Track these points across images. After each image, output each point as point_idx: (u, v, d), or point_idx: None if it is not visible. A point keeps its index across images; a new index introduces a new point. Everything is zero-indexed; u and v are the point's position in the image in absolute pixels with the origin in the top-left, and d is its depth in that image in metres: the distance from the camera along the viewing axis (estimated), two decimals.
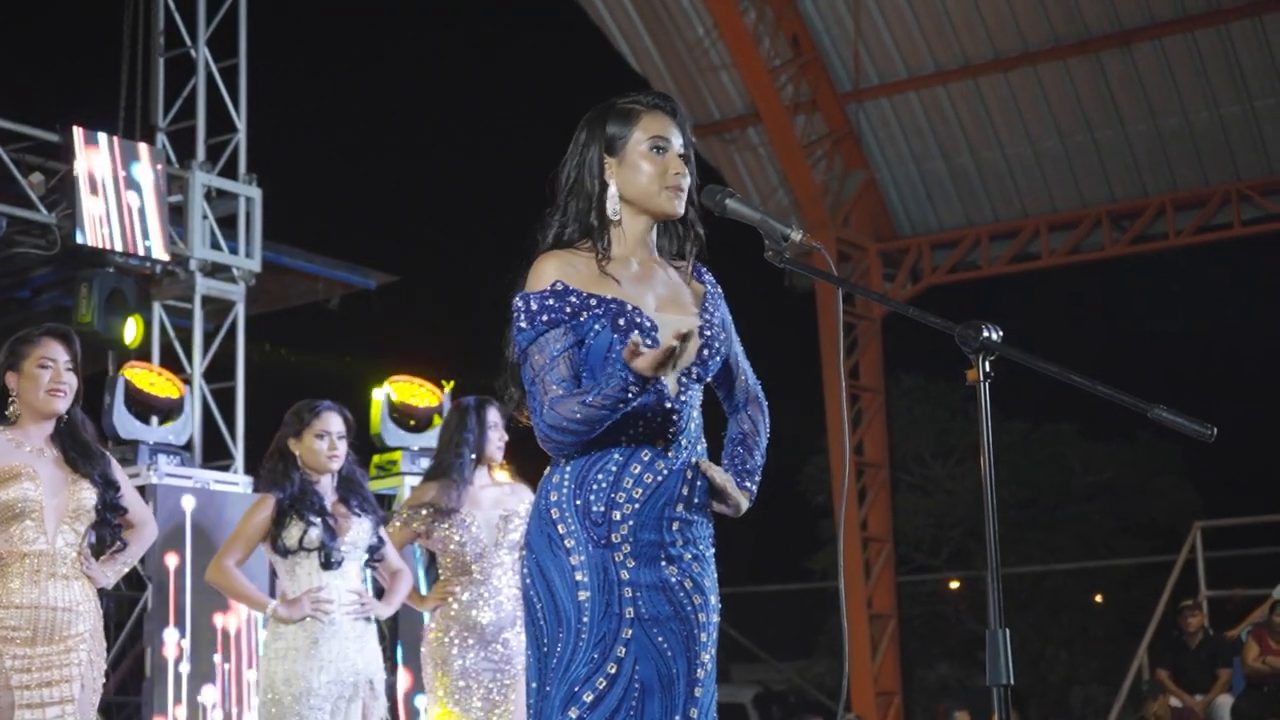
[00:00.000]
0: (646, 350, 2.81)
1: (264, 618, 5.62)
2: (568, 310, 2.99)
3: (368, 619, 5.52)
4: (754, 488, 3.22)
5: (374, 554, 5.57)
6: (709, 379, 3.16)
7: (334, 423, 5.48)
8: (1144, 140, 13.79)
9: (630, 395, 2.86)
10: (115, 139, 8.84)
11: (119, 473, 4.70)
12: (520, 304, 3.03)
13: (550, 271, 3.04)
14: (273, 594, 5.67)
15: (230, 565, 5.48)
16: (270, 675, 5.37)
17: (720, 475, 3.10)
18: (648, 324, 3.01)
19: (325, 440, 5.45)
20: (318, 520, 5.39)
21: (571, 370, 2.98)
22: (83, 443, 4.60)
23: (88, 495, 4.52)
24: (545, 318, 2.99)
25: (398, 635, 8.13)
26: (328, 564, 5.39)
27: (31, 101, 9.24)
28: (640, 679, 2.99)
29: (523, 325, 3.01)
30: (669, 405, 3.04)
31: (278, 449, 5.51)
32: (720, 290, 3.23)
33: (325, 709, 5.34)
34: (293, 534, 5.38)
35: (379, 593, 5.79)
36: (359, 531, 5.48)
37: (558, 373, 2.96)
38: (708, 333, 3.11)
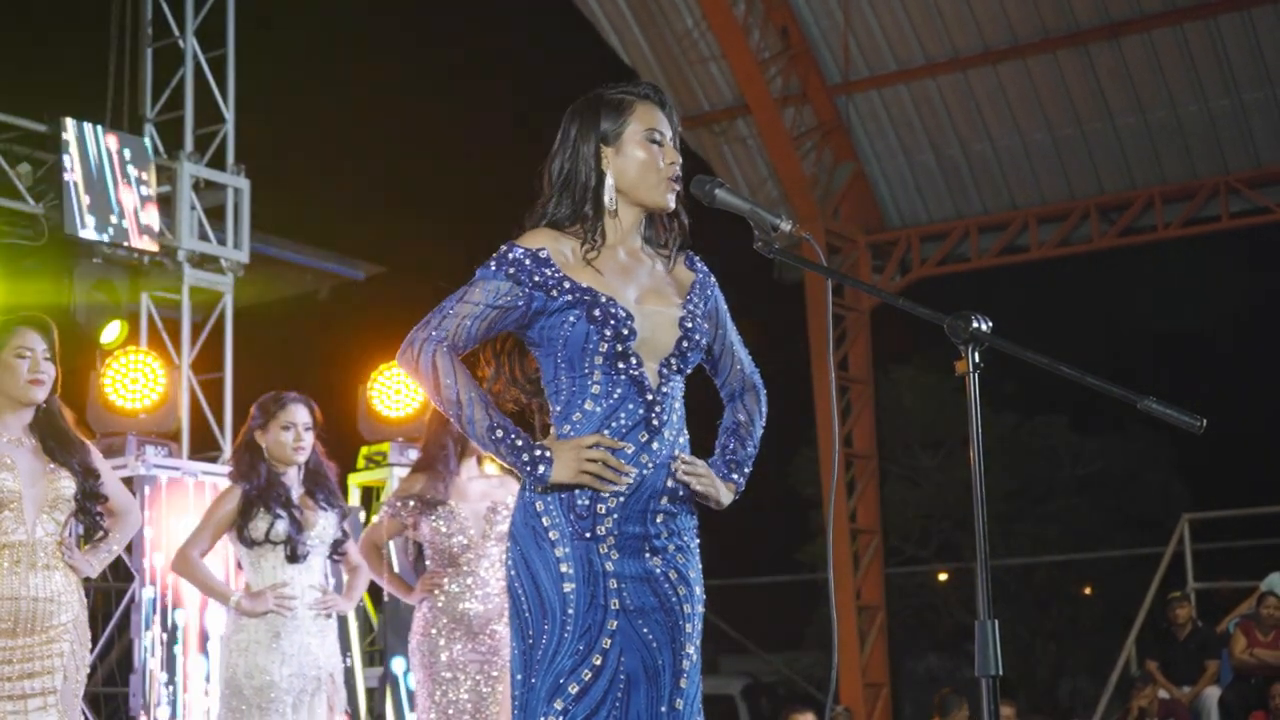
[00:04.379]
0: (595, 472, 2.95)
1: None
2: (536, 278, 3.01)
3: (329, 615, 5.53)
4: (741, 479, 3.22)
5: (337, 548, 5.57)
6: (690, 370, 3.16)
7: (300, 415, 5.48)
8: (1132, 133, 13.81)
9: (523, 462, 2.97)
10: (103, 130, 8.82)
11: (100, 461, 4.68)
12: (503, 248, 3.06)
13: (541, 240, 3.07)
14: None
15: (195, 556, 5.48)
16: (232, 668, 5.37)
17: (698, 481, 3.09)
18: (622, 314, 3.01)
19: (291, 432, 5.45)
20: (284, 513, 5.39)
21: (485, 328, 3.02)
22: (61, 431, 4.58)
23: (66, 484, 4.50)
24: (511, 270, 3.01)
25: (386, 626, 8.13)
26: (293, 557, 5.39)
27: (19, 92, 9.21)
28: (625, 670, 2.99)
29: (490, 264, 3.04)
30: (650, 397, 3.03)
31: (245, 441, 5.52)
32: (713, 279, 3.23)
33: (287, 701, 5.34)
34: (259, 526, 5.38)
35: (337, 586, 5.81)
36: (325, 525, 5.49)
37: (479, 326, 3.01)
38: (688, 325, 3.11)
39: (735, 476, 3.20)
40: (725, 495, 3.15)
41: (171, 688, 7.34)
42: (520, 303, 3.01)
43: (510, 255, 3.03)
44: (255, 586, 5.40)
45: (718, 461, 3.21)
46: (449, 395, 2.98)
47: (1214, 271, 20.40)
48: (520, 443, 2.97)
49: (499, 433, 2.97)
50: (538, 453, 2.96)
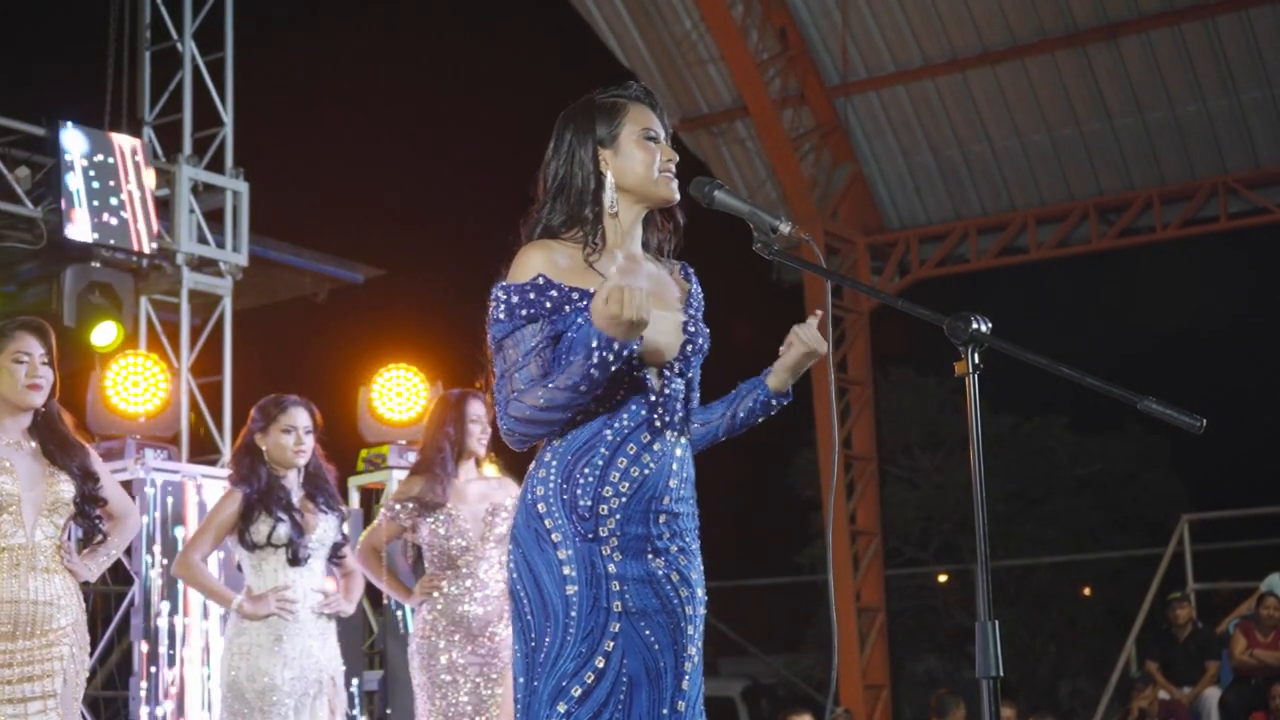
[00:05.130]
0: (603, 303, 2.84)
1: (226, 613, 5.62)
2: (547, 305, 2.99)
3: (330, 616, 5.53)
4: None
5: (337, 551, 5.58)
6: (690, 374, 3.16)
7: (300, 418, 5.49)
8: (1131, 133, 13.81)
9: (596, 361, 2.85)
10: (101, 133, 8.81)
11: (99, 464, 4.68)
12: (500, 295, 3.02)
13: (534, 264, 3.03)
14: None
15: (197, 560, 5.49)
16: (233, 671, 5.36)
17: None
18: None
19: (292, 435, 5.46)
20: (285, 516, 5.40)
21: (541, 370, 2.98)
22: (60, 435, 4.58)
23: (65, 488, 4.50)
24: (524, 312, 2.99)
25: (385, 631, 8.12)
26: (295, 560, 5.39)
27: (17, 95, 9.22)
28: (628, 673, 2.99)
29: (500, 317, 3.01)
30: (653, 398, 3.04)
31: (246, 444, 5.52)
32: (702, 296, 3.24)
33: (289, 704, 5.34)
34: (261, 530, 5.39)
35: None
36: (325, 529, 5.50)
37: (527, 372, 2.97)
38: (691, 330, 3.12)
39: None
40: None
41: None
42: (548, 330, 2.99)
43: (513, 300, 2.99)
44: (257, 590, 5.41)
45: (751, 382, 3.24)
46: (551, 415, 2.93)
47: (1213, 272, 20.41)
48: (572, 372, 2.88)
49: (564, 394, 2.91)
50: (595, 344, 2.86)
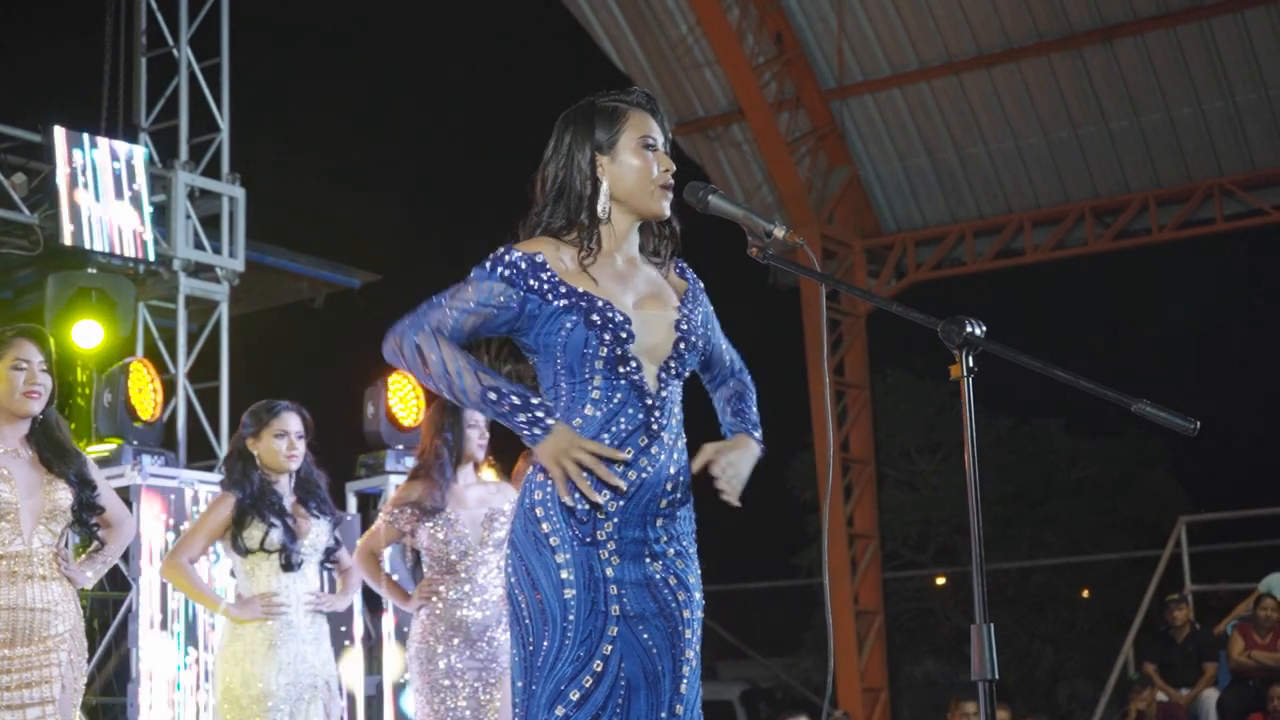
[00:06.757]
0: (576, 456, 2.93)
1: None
2: (530, 282, 3.02)
3: (324, 619, 5.53)
4: (760, 437, 3.25)
5: (330, 556, 5.58)
6: (687, 374, 3.17)
7: (292, 422, 5.48)
8: (1127, 135, 13.83)
9: (521, 421, 2.95)
10: (98, 139, 8.82)
11: (95, 472, 4.68)
12: (501, 250, 3.07)
13: (539, 246, 3.07)
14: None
15: (185, 562, 5.48)
16: (227, 677, 5.36)
17: (736, 480, 3.11)
18: (620, 318, 3.02)
19: (284, 440, 5.46)
20: (278, 522, 5.40)
21: (476, 328, 3.03)
22: (58, 443, 4.58)
23: (63, 495, 4.50)
24: (507, 273, 3.02)
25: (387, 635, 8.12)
26: (288, 566, 5.39)
27: (13, 102, 9.23)
28: (626, 676, 3.00)
29: (486, 264, 3.05)
30: (650, 402, 3.04)
31: (237, 449, 5.52)
32: (701, 285, 3.25)
33: (284, 710, 5.34)
34: (253, 535, 5.39)
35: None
36: (318, 533, 5.50)
37: (468, 320, 3.01)
38: (684, 328, 3.12)
39: (758, 435, 3.23)
40: (752, 460, 3.16)
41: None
42: (513, 304, 3.02)
43: (507, 258, 3.04)
44: (248, 595, 5.41)
45: (738, 424, 3.25)
46: (437, 370, 2.98)
47: (1209, 274, 20.44)
48: (519, 402, 2.95)
49: (492, 395, 2.95)
50: (539, 414, 2.95)
